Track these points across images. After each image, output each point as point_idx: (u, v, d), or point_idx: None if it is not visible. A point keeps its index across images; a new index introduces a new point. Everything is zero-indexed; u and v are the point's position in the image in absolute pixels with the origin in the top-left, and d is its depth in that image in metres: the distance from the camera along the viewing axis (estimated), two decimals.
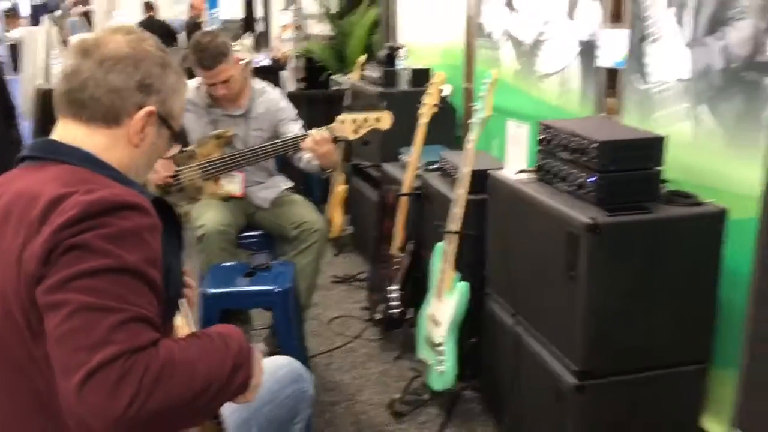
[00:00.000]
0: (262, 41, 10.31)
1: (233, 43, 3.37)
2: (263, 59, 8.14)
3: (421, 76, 4.03)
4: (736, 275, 2.15)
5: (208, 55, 2.78)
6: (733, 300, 2.18)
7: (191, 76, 2.79)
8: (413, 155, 3.27)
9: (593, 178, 2.09)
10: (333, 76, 6.53)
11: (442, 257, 2.75)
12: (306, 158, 2.98)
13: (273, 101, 3.06)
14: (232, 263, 2.71)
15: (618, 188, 2.08)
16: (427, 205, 3.20)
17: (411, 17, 5.00)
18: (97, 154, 1.22)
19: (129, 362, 0.97)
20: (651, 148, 2.11)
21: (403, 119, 3.49)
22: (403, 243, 3.31)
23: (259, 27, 12.97)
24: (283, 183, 3.16)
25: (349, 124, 2.73)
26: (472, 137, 2.66)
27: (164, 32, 8.83)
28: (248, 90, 3.02)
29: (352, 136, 2.77)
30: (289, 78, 8.11)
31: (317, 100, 5.75)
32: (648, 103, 2.58)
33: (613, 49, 2.73)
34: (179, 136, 3.12)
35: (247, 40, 8.48)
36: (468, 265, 2.75)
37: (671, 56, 2.44)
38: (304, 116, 3.24)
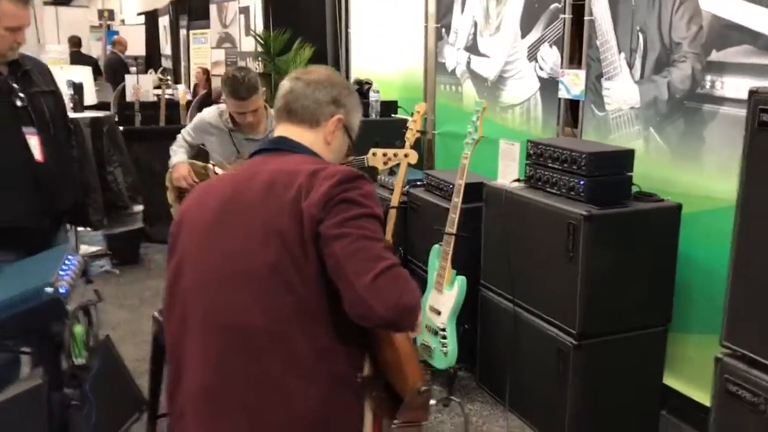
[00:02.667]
0: (169, 76, 10.54)
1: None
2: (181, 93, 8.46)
3: (389, 108, 4.59)
4: (687, 257, 2.81)
5: (244, 87, 3.19)
6: (684, 275, 2.83)
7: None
8: (400, 174, 3.79)
9: (582, 182, 2.70)
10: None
11: (440, 256, 3.27)
12: None
13: None
14: None
15: (601, 189, 2.70)
16: (413, 216, 3.72)
17: (364, 53, 5.57)
18: (309, 146, 1.68)
19: (397, 270, 1.44)
20: (624, 158, 2.76)
21: (375, 144, 4.06)
22: (392, 250, 3.80)
23: (167, 63, 13.14)
24: None
25: (380, 157, 3.22)
26: (466, 154, 3.22)
27: (91, 66, 8.92)
28: (265, 118, 3.44)
29: (381, 167, 3.26)
30: None
31: None
32: (605, 127, 3.25)
33: (573, 85, 3.39)
34: (207, 156, 3.50)
35: (144, 76, 8.68)
36: (463, 262, 3.28)
37: (624, 90, 3.12)
38: None
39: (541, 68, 3.63)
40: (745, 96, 1.92)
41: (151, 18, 14.62)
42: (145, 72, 10.43)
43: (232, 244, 1.56)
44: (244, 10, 8.39)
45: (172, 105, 8.28)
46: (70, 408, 2.07)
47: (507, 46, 3.85)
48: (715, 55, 2.70)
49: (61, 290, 1.90)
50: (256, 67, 8.17)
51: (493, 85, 4.00)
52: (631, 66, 3.09)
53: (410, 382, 1.63)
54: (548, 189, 2.87)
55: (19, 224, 2.59)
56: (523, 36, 3.73)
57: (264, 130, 3.44)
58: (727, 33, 2.64)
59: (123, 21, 18.88)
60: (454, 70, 4.35)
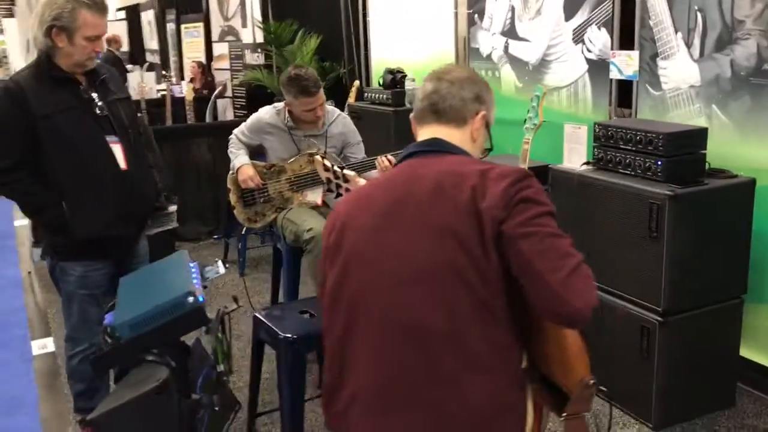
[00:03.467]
0: (161, 71, 10.42)
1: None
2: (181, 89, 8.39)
3: None
4: (758, 229, 2.88)
5: (311, 83, 3.21)
6: (756, 247, 2.91)
7: None
8: None
9: (660, 162, 2.75)
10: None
11: None
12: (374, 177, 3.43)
13: (348, 124, 3.51)
14: None
15: (680, 168, 2.76)
16: None
17: (385, 41, 5.56)
18: (460, 145, 1.71)
19: (585, 266, 1.49)
20: (698, 136, 2.82)
21: (411, 131, 4.09)
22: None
23: (152, 59, 12.98)
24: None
25: None
26: (527, 140, 3.26)
27: None
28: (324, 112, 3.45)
29: None
30: (228, 106, 8.41)
31: None
32: (662, 106, 3.30)
33: (625, 66, 3.44)
34: (263, 155, 3.49)
35: (148, 73, 8.58)
36: None
37: (683, 69, 3.17)
38: None
39: (589, 50, 3.67)
40: None
41: (132, 13, 14.41)
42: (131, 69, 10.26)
43: (406, 245, 1.58)
44: (241, 1, 8.30)
45: (176, 102, 8.21)
46: (205, 413, 2.09)
47: (549, 29, 3.88)
48: None
49: (201, 299, 1.92)
50: (256, 58, 8.14)
51: (535, 68, 4.03)
52: (689, 45, 3.14)
53: (579, 375, 1.67)
54: (621, 170, 2.92)
55: (109, 233, 2.59)
56: (567, 19, 3.76)
57: (323, 125, 3.45)
58: None
59: None
60: (489, 55, 4.38)
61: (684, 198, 2.66)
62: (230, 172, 3.50)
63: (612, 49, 3.53)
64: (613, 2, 3.49)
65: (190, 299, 1.87)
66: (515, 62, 4.18)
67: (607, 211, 2.93)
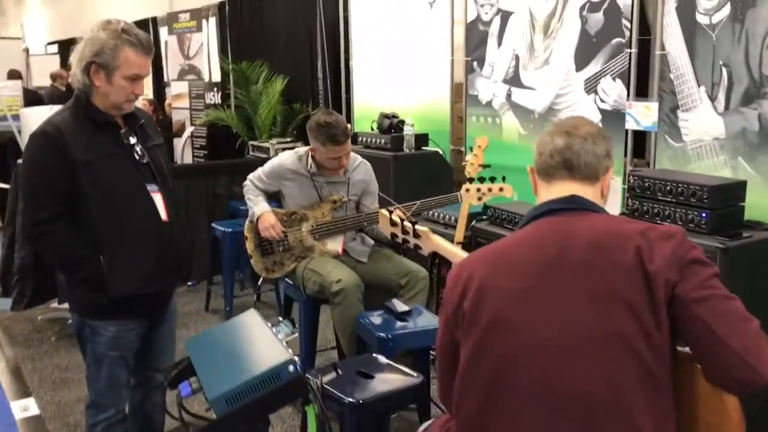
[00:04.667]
0: None
1: None
2: None
3: (419, 141, 4.55)
4: None
5: (340, 133, 3.08)
6: None
7: None
8: (463, 208, 3.75)
9: (705, 214, 2.77)
10: (252, 143, 6.74)
11: None
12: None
13: (370, 172, 3.40)
14: (377, 312, 2.97)
15: (723, 220, 2.77)
16: None
17: (368, 86, 5.50)
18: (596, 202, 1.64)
19: (762, 330, 1.43)
20: (739, 189, 2.85)
21: (410, 176, 4.13)
22: None
23: None
24: (368, 240, 3.47)
25: (473, 193, 3.16)
26: None
27: (34, 101, 8.33)
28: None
29: (475, 203, 3.20)
30: (186, 147, 8.12)
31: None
32: (683, 157, 3.35)
33: (643, 117, 3.48)
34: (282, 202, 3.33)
35: None
36: None
37: (706, 122, 3.23)
38: None
39: (602, 100, 3.71)
40: None
41: (66, 48, 13.94)
42: None
43: (566, 310, 1.48)
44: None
45: None
46: None
47: (558, 78, 3.91)
48: None
49: (298, 367, 1.76)
50: (212, 97, 7.95)
51: (542, 116, 4.04)
52: (713, 99, 3.20)
53: None
54: (659, 222, 2.92)
55: (148, 290, 2.37)
56: (579, 69, 3.80)
57: (345, 172, 3.33)
58: None
59: (27, 50, 17.83)
60: (489, 102, 4.38)
61: (734, 251, 2.67)
62: (248, 220, 3.32)
63: (628, 99, 3.57)
64: (630, 54, 3.55)
65: (291, 368, 1.70)
66: (519, 110, 4.18)
67: None
